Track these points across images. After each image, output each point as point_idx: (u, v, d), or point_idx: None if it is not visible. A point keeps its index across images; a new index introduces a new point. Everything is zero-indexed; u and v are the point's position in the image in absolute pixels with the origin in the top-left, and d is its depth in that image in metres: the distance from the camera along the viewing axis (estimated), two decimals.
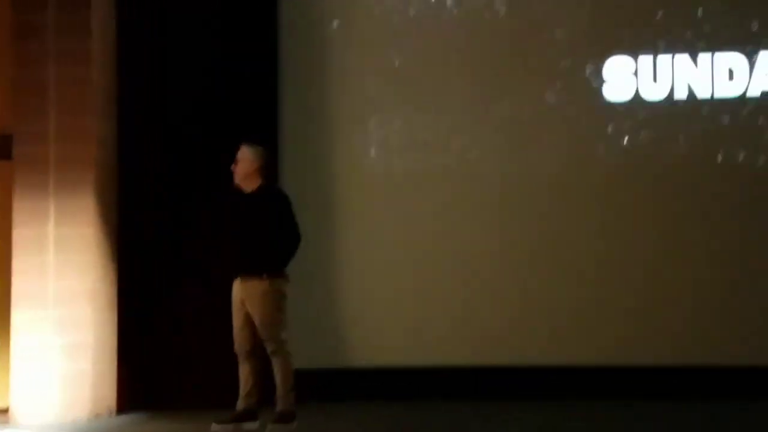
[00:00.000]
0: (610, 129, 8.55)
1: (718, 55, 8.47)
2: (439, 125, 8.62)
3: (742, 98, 8.45)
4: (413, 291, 8.54)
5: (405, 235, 8.58)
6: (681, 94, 8.50)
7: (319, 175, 8.67)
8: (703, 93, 8.48)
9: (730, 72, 8.46)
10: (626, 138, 8.54)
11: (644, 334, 8.33)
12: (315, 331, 8.46)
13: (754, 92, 8.44)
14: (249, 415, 7.15)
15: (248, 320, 7.18)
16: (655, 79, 8.54)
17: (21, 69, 7.91)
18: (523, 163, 8.57)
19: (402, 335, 8.50)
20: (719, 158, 8.44)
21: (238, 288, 7.22)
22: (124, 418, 7.93)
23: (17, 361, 7.80)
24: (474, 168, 8.59)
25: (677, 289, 8.37)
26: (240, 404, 7.19)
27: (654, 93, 8.55)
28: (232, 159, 7.27)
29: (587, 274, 8.42)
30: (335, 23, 8.76)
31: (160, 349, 8.30)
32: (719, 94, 8.47)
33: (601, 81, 8.56)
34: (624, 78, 8.55)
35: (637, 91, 8.54)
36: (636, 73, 8.54)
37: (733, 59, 8.47)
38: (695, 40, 8.48)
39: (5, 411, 7.86)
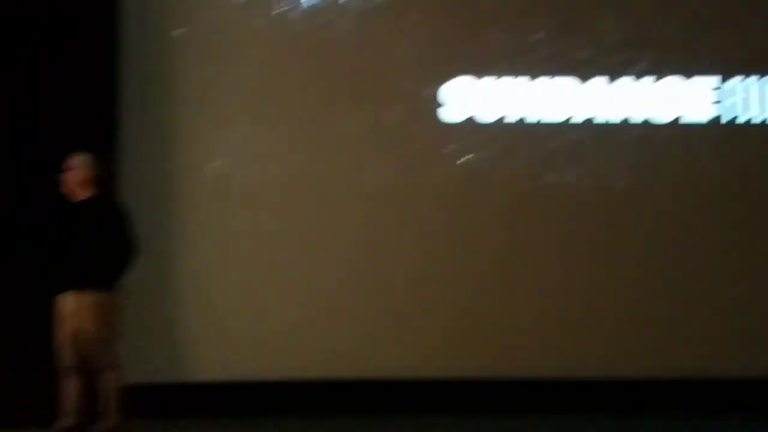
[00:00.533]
0: (446, 149, 8.69)
1: (548, 79, 8.71)
2: (280, 138, 8.62)
3: (570, 122, 8.73)
4: (252, 304, 8.51)
5: (245, 247, 8.55)
6: (514, 117, 8.72)
7: (159, 186, 8.55)
8: (533, 116, 8.73)
9: (560, 96, 8.71)
10: (462, 157, 8.70)
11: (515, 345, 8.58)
12: (151, 345, 8.34)
13: (580, 117, 8.73)
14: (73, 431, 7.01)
15: (76, 334, 7.02)
16: (490, 101, 8.72)
17: None
18: (360, 179, 8.64)
19: (240, 349, 8.46)
20: (545, 178, 8.70)
21: (67, 300, 7.07)
22: None
23: None
24: (314, 182, 8.62)
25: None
26: (64, 421, 7.05)
27: (488, 115, 8.73)
28: (65, 169, 7.14)
29: (415, 286, 8.58)
30: (179, 32, 8.67)
31: None
32: (548, 118, 8.73)
33: (439, 102, 8.69)
34: (460, 99, 8.70)
35: (472, 112, 8.70)
36: (473, 95, 8.70)
37: (564, 83, 8.72)
38: (531, 64, 8.69)
39: None
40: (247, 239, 8.56)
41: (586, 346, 8.58)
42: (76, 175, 7.20)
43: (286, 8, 8.73)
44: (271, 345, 8.47)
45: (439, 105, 8.71)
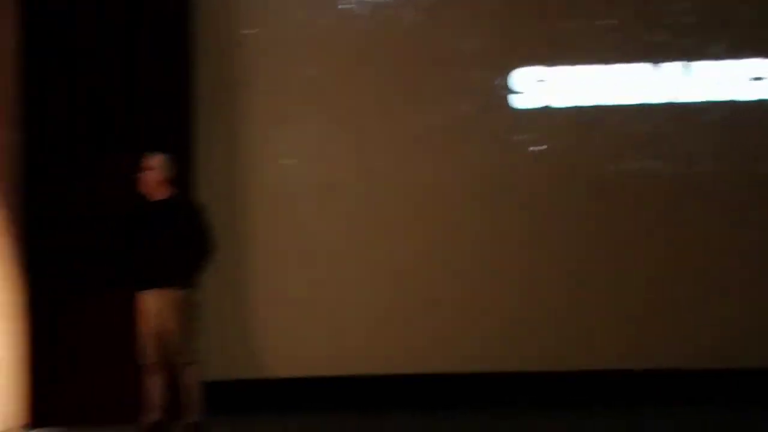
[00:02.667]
0: (519, 137, 8.62)
1: (624, 66, 8.59)
2: (351, 134, 8.63)
3: (649, 106, 8.58)
4: (327, 300, 8.53)
5: (319, 244, 8.57)
6: (590, 102, 8.61)
7: (232, 184, 8.61)
8: (611, 101, 8.61)
9: (637, 81, 8.58)
10: (538, 145, 8.63)
11: (573, 338, 8.47)
12: (228, 341, 8.40)
13: (659, 100, 8.58)
14: (157, 428, 7.10)
15: (158, 331, 7.13)
16: (566, 88, 8.63)
17: None
18: (436, 174, 8.61)
19: (316, 344, 8.49)
20: (629, 164, 8.55)
21: (148, 298, 7.17)
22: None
23: None
24: (386, 175, 8.61)
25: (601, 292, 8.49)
26: (149, 417, 7.14)
27: (562, 102, 8.63)
28: (141, 169, 7.24)
29: (508, 281, 8.50)
30: (250, 31, 8.73)
31: (69, 361, 8.18)
32: (626, 101, 8.59)
33: (512, 90, 8.63)
34: (535, 87, 8.62)
35: (547, 99, 8.62)
36: (546, 82, 8.62)
37: (640, 69, 8.59)
38: (604, 51, 8.58)
39: None
40: (320, 235, 8.58)
41: (690, 334, 8.41)
42: (154, 175, 7.29)
43: (353, 4, 8.74)
44: (347, 340, 8.47)
45: (511, 93, 8.64)
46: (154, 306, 7.16)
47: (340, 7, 8.74)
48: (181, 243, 7.12)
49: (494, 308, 8.49)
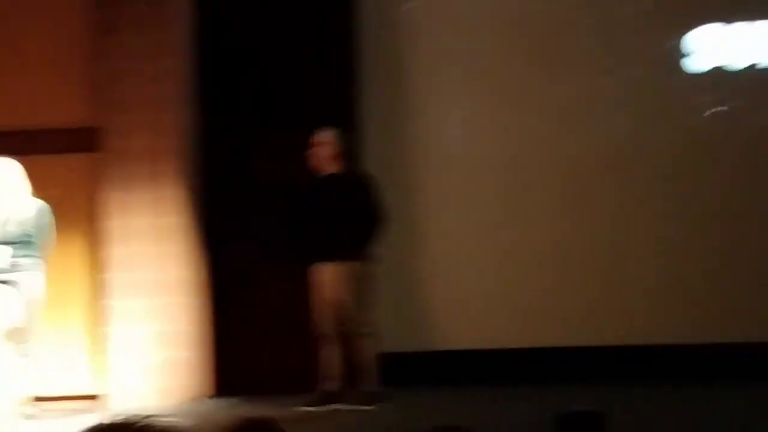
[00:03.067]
0: (693, 101, 8.39)
1: None
2: (515, 105, 8.54)
3: None
4: (497, 273, 8.49)
5: (488, 217, 8.53)
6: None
7: (401, 157, 8.64)
8: None
9: None
10: (708, 112, 8.39)
11: (728, 312, 8.22)
12: (402, 313, 8.46)
13: None
14: (335, 397, 7.24)
15: (333, 303, 7.25)
16: (739, 48, 8.34)
17: (103, 62, 8.10)
18: (601, 138, 8.45)
19: (487, 317, 8.47)
20: None
21: (324, 271, 7.30)
22: (220, 402, 8.07)
23: (114, 350, 8.02)
24: (551, 147, 8.48)
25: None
26: (327, 386, 7.29)
27: (738, 62, 8.34)
28: (313, 144, 7.35)
29: (663, 257, 8.30)
30: (415, 5, 8.74)
31: (251, 334, 8.40)
32: None
33: (684, 52, 8.39)
34: (705, 48, 8.36)
35: (720, 61, 8.35)
36: (719, 43, 8.34)
37: None
38: None
39: (103, 398, 8.07)
40: (489, 208, 8.51)
41: None
42: (325, 149, 7.41)
43: None
44: (513, 313, 8.42)
45: (684, 55, 8.40)
46: (328, 278, 7.29)
47: None
48: (353, 216, 7.21)
49: (645, 282, 8.31)
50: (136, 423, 1.96)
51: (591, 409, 5.75)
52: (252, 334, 8.40)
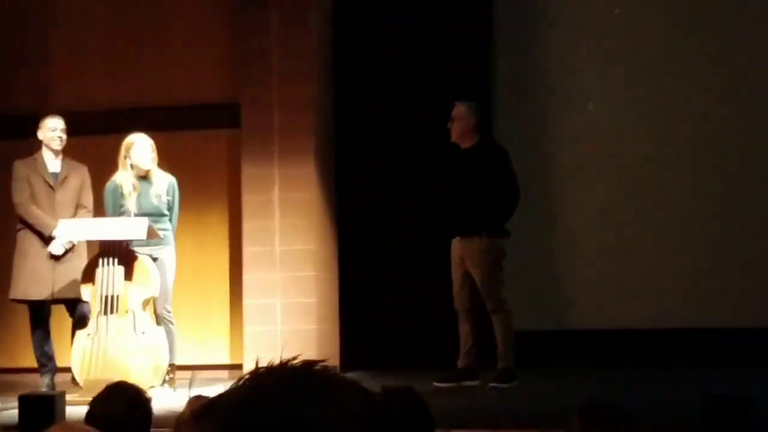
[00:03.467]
0: None
1: None
2: (654, 77, 8.40)
3: None
4: (631, 253, 8.38)
5: (625, 196, 8.40)
6: None
7: (535, 131, 8.57)
8: None
9: None
10: None
11: None
12: (535, 291, 8.37)
13: None
14: (469, 373, 7.21)
15: (468, 278, 7.21)
16: None
17: (245, 39, 8.24)
18: (742, 123, 8.29)
19: (623, 297, 8.36)
20: None
21: (457, 246, 7.26)
22: (348, 375, 8.11)
23: (248, 321, 8.16)
24: (696, 125, 8.35)
25: None
26: (460, 362, 7.26)
27: None
28: (447, 118, 7.35)
29: None
30: None
31: (379, 308, 8.45)
32: None
33: None
34: None
35: None
36: None
37: None
38: None
39: (240, 368, 8.23)
40: (626, 184, 8.40)
41: None
42: (462, 123, 7.37)
43: None
44: (650, 293, 8.29)
45: None
46: (461, 253, 7.26)
47: None
48: (488, 190, 7.17)
49: None
50: (296, 366, 2.02)
51: (737, 393, 5.74)
52: (381, 308, 8.46)
